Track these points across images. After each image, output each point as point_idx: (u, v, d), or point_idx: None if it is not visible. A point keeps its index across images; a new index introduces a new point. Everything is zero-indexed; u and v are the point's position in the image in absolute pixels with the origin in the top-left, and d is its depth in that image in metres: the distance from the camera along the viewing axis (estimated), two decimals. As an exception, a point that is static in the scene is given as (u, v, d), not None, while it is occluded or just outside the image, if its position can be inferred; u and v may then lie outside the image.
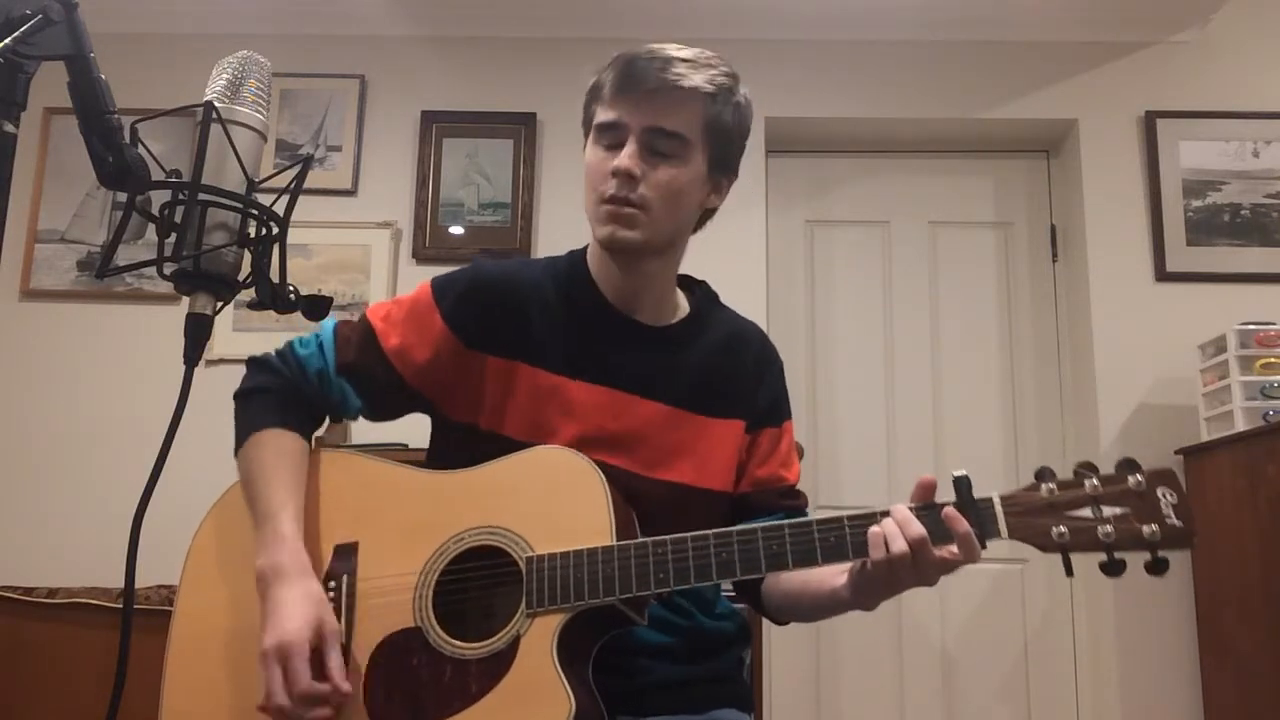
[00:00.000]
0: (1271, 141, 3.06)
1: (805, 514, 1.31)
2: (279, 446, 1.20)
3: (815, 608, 1.22)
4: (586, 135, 1.26)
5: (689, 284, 1.36)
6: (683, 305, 1.33)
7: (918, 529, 1.01)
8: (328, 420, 1.29)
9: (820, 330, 3.22)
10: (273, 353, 1.27)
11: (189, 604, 1.20)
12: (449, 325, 1.23)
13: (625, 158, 1.17)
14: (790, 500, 1.31)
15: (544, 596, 1.06)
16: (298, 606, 1.07)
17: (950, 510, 1.01)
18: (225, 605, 1.17)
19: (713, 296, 1.37)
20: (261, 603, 1.10)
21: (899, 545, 1.01)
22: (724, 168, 1.27)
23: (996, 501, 1.02)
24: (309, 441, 1.24)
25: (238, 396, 1.26)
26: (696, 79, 1.19)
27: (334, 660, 1.06)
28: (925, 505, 1.04)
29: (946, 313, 3.21)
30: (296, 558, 1.11)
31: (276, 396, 1.23)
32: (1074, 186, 3.14)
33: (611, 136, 1.20)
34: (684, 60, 1.19)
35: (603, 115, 1.21)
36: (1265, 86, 3.10)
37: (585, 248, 1.32)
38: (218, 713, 1.14)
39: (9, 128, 0.81)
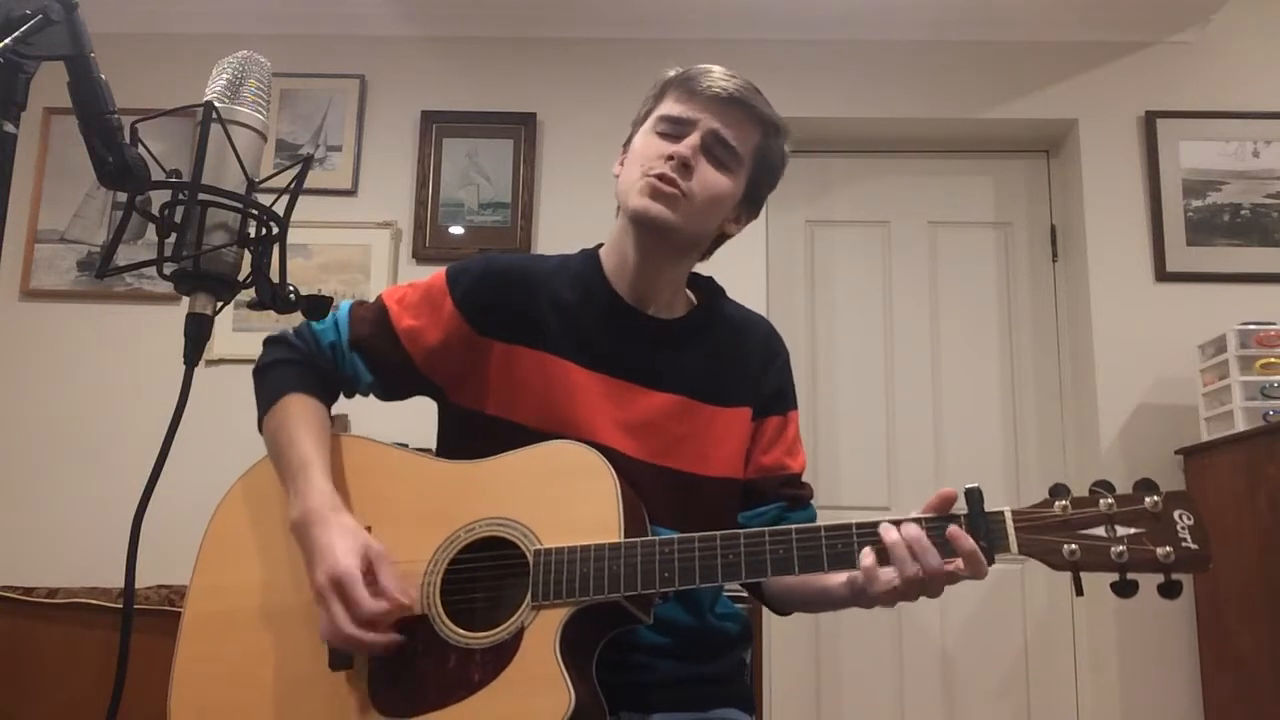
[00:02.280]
0: (1271, 141, 3.06)
1: (808, 505, 1.33)
2: (301, 409, 1.22)
3: (815, 602, 1.24)
4: (635, 130, 1.30)
5: (695, 280, 1.38)
6: (690, 300, 1.36)
7: (930, 550, 1.02)
8: (341, 396, 1.31)
9: (820, 330, 3.22)
10: (289, 329, 1.30)
11: (204, 581, 1.21)
12: (460, 310, 1.25)
13: (685, 146, 1.22)
14: (793, 489, 1.32)
15: (550, 590, 1.07)
16: (340, 538, 1.09)
17: (955, 530, 1.01)
18: (241, 583, 1.19)
19: (719, 291, 1.39)
20: (302, 549, 1.11)
21: (912, 569, 1.01)
22: (753, 201, 1.33)
23: (1008, 516, 1.02)
24: (328, 409, 1.27)
25: (256, 371, 1.28)
26: (766, 109, 1.27)
27: (387, 579, 1.08)
28: (937, 517, 1.04)
29: (946, 313, 3.21)
30: (329, 499, 1.13)
31: (295, 367, 1.26)
32: (1074, 186, 3.14)
33: (674, 129, 1.24)
34: (757, 91, 1.27)
35: (671, 109, 1.25)
36: (1265, 86, 3.10)
37: (598, 246, 1.34)
38: (230, 687, 1.15)
39: (9, 128, 0.81)
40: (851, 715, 2.99)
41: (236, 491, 1.25)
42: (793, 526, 1.07)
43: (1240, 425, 2.55)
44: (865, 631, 3.01)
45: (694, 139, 1.22)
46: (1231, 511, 2.55)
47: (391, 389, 1.30)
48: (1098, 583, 1.01)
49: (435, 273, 1.30)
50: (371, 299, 1.32)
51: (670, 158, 1.21)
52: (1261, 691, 2.45)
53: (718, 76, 1.25)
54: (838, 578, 1.15)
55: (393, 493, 1.19)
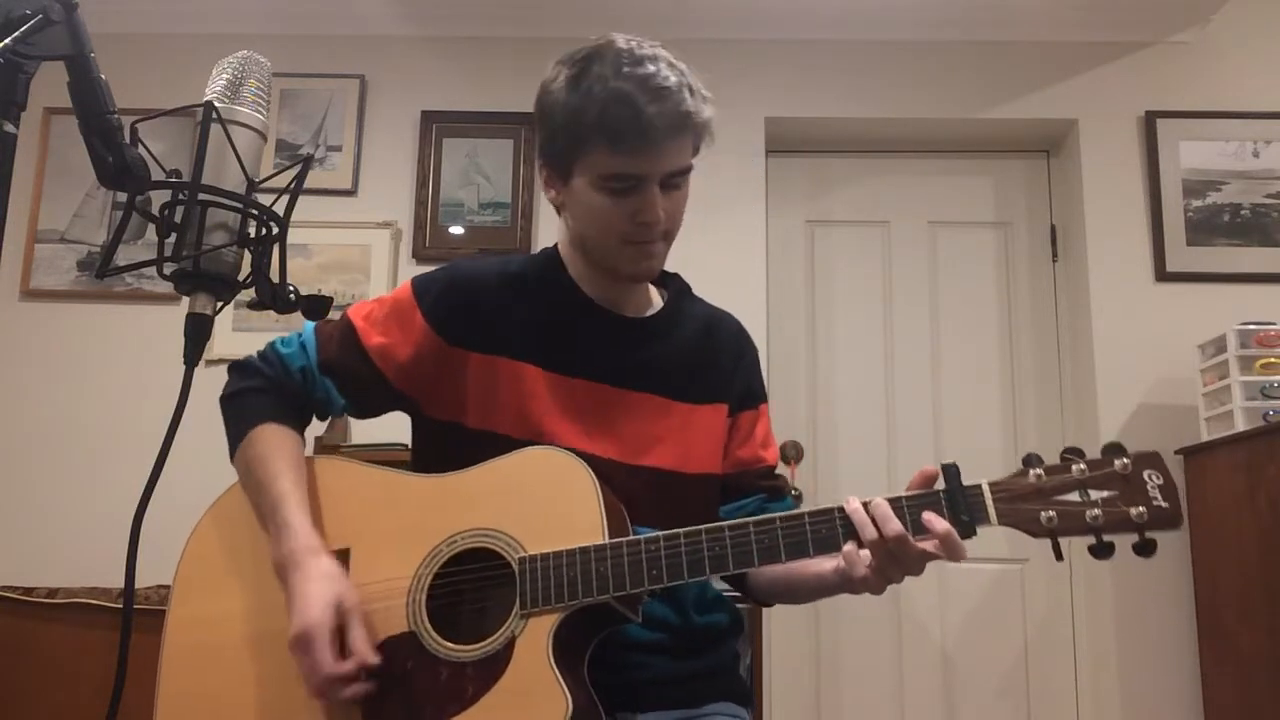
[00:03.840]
0: (1271, 141, 3.06)
1: (786, 496, 1.35)
2: (276, 440, 1.20)
3: (802, 590, 1.24)
4: (571, 167, 1.18)
5: (662, 277, 1.37)
6: (657, 297, 1.35)
7: (891, 518, 1.02)
8: (315, 419, 1.29)
9: (820, 330, 3.22)
10: (254, 355, 1.28)
11: (182, 612, 1.19)
12: (430, 323, 1.23)
13: (655, 209, 1.16)
14: (770, 481, 1.33)
15: (538, 597, 1.06)
16: (314, 588, 1.07)
17: (930, 515, 1.02)
18: (220, 613, 1.17)
19: (685, 288, 1.38)
20: (284, 592, 1.10)
21: (870, 534, 1.03)
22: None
23: (985, 489, 1.03)
24: (302, 437, 1.25)
25: (224, 400, 1.26)
26: (697, 111, 1.16)
27: (355, 636, 1.06)
28: (917, 495, 1.05)
29: (946, 313, 3.21)
30: (307, 541, 1.11)
31: (265, 395, 1.23)
32: (1074, 186, 3.14)
33: (626, 184, 1.16)
34: (675, 91, 1.13)
35: (615, 165, 1.14)
36: (1265, 86, 3.10)
37: (556, 245, 1.33)
38: (217, 718, 1.14)
39: (9, 128, 0.81)
40: (851, 714, 2.99)
41: (208, 519, 1.23)
42: (776, 515, 1.07)
43: (1240, 425, 2.55)
44: (865, 631, 3.01)
45: (655, 193, 1.16)
46: (1231, 511, 2.55)
47: (365, 409, 1.27)
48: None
49: (401, 285, 1.27)
50: (370, 298, 1.31)
51: (642, 222, 1.17)
52: (1261, 691, 2.45)
53: (651, 118, 1.11)
54: (826, 563, 1.15)
55: (372, 512, 1.17)
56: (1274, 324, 2.63)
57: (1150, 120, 3.08)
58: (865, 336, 3.21)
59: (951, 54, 3.18)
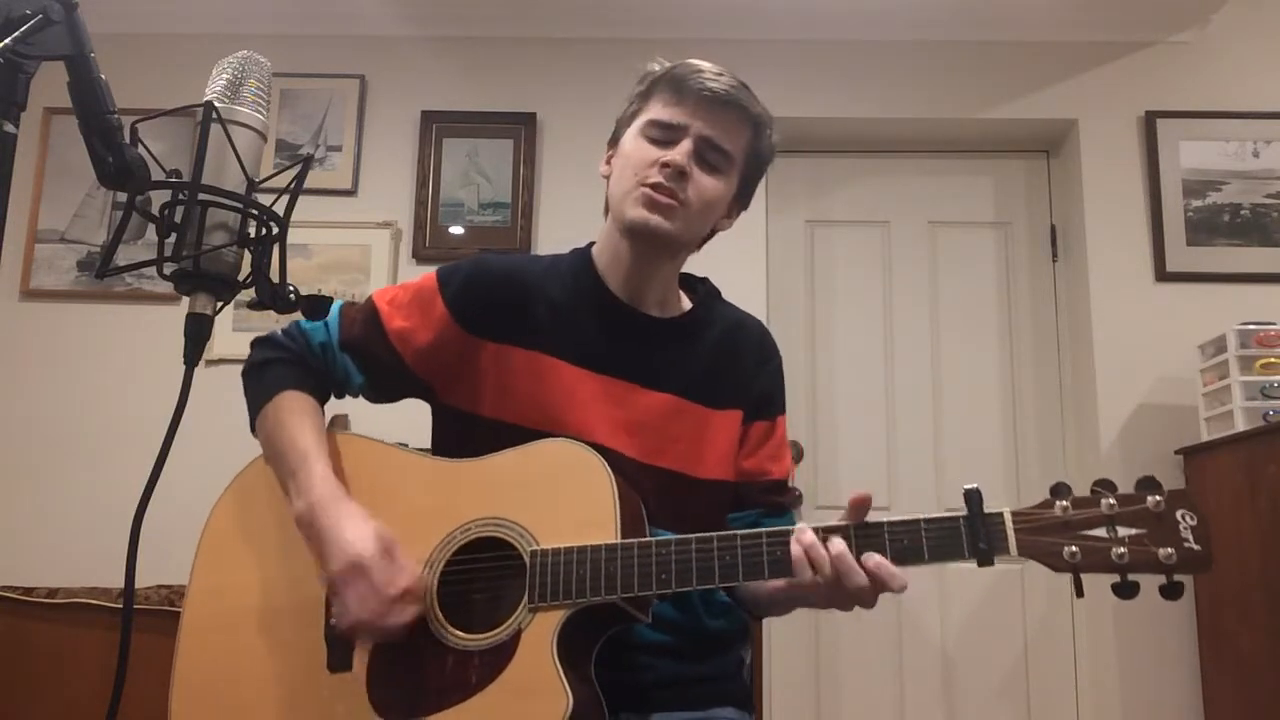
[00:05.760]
0: (1271, 141, 3.06)
1: (787, 511, 1.33)
2: (298, 406, 1.22)
3: (781, 602, 1.23)
4: (623, 130, 1.29)
5: (691, 282, 1.38)
6: (685, 301, 1.35)
7: (824, 559, 1.02)
8: (333, 396, 1.30)
9: (820, 330, 3.22)
10: (278, 330, 1.30)
11: (203, 583, 1.21)
12: (451, 311, 1.24)
13: (680, 154, 1.21)
14: (773, 495, 1.32)
15: (547, 591, 1.06)
16: (353, 524, 1.09)
17: (870, 554, 1.01)
18: (241, 584, 1.18)
19: (715, 292, 1.39)
20: (309, 541, 1.11)
21: (806, 576, 1.02)
22: (744, 197, 1.33)
23: (1007, 517, 1.00)
24: (322, 407, 1.26)
25: (246, 371, 1.28)
26: (754, 107, 1.26)
27: (406, 562, 1.08)
28: (934, 519, 1.03)
29: (946, 313, 3.21)
30: (333, 489, 1.13)
31: (286, 366, 1.26)
32: (1074, 186, 3.14)
33: (665, 134, 1.23)
34: (744, 86, 1.26)
35: (661, 113, 1.24)
36: (1265, 86, 3.10)
37: (590, 245, 1.33)
38: (230, 690, 1.15)
39: (9, 128, 0.81)
40: (851, 715, 2.99)
41: (230, 493, 1.24)
42: (790, 528, 1.06)
43: (1240, 425, 2.55)
44: (865, 632, 3.01)
45: (686, 146, 1.22)
46: (1231, 511, 2.55)
47: (382, 390, 1.29)
48: (1098, 583, 1.01)
49: (426, 274, 1.29)
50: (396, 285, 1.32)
51: (666, 165, 1.20)
52: (1261, 691, 2.45)
53: (707, 77, 1.23)
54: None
55: (388, 492, 1.18)
56: (1274, 324, 2.63)
57: (1150, 120, 3.08)
58: (865, 336, 3.21)
59: (951, 54, 3.18)
